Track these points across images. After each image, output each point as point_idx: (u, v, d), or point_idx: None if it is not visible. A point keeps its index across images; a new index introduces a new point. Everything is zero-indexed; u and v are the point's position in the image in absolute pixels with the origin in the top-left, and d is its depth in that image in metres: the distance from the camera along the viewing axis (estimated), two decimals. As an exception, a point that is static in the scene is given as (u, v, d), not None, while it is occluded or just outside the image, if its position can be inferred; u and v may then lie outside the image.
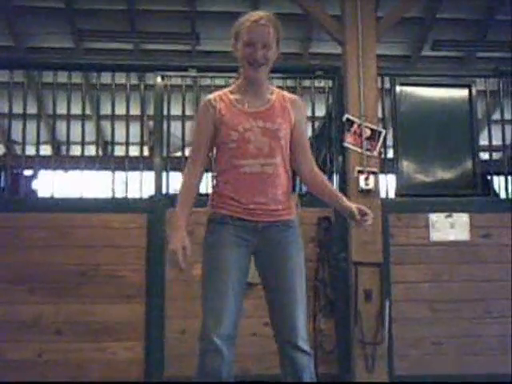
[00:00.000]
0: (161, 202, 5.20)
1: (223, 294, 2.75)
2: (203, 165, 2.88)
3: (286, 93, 2.98)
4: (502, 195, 6.35)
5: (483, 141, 5.95)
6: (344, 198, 2.88)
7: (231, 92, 2.88)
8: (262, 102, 2.84)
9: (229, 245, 2.80)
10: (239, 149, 2.74)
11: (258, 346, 5.01)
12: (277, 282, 2.81)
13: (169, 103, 5.53)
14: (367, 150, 5.25)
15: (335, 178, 5.51)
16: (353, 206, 2.81)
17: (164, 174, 5.41)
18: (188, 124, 6.75)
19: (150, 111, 6.40)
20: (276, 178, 2.77)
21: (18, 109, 5.62)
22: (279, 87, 5.80)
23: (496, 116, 6.72)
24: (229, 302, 2.73)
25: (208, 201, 2.89)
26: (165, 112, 5.53)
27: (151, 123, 6.81)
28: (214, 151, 2.90)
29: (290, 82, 6.51)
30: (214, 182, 2.93)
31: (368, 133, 5.28)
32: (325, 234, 5.14)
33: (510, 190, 5.71)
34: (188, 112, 6.11)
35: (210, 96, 2.88)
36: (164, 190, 5.38)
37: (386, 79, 5.74)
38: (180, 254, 2.82)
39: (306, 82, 5.80)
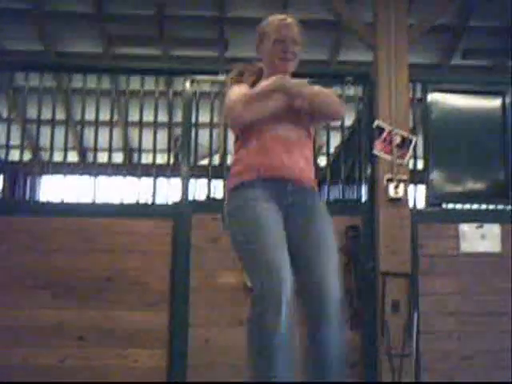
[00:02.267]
0: (186, 208, 5.16)
1: (277, 247, 2.48)
2: None
3: None
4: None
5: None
6: None
7: None
8: None
9: (264, 202, 2.62)
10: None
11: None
12: (311, 244, 2.63)
13: (197, 110, 5.50)
14: (397, 157, 5.16)
15: (364, 186, 5.42)
16: None
17: (190, 181, 5.36)
18: (215, 131, 6.75)
19: (177, 118, 6.40)
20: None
21: (46, 115, 5.64)
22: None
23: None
24: (286, 256, 2.47)
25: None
26: (193, 119, 5.48)
27: (178, 130, 6.79)
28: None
29: (318, 89, 6.44)
30: (236, 155, 2.86)
31: (398, 140, 5.19)
32: (352, 243, 5.05)
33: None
34: (216, 119, 6.08)
35: None
36: (191, 197, 5.34)
37: (417, 89, 5.65)
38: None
39: (336, 89, 5.71)
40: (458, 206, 5.78)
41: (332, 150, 6.13)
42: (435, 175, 5.48)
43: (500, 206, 5.53)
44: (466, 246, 5.15)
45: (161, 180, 5.67)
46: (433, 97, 5.63)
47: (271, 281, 2.38)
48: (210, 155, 5.63)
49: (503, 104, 5.63)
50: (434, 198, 5.43)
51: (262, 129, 2.74)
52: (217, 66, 7.53)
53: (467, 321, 5.03)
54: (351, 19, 5.65)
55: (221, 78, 5.59)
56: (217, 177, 5.68)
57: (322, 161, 8.46)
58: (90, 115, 5.70)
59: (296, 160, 2.73)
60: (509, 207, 5.45)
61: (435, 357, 4.99)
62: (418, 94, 5.69)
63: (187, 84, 5.46)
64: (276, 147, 2.71)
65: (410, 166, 5.33)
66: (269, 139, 2.73)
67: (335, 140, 6.16)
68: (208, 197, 5.48)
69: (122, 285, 4.96)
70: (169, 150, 5.77)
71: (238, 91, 2.79)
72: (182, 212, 5.14)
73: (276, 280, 2.38)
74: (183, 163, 5.33)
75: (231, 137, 6.23)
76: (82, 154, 8.02)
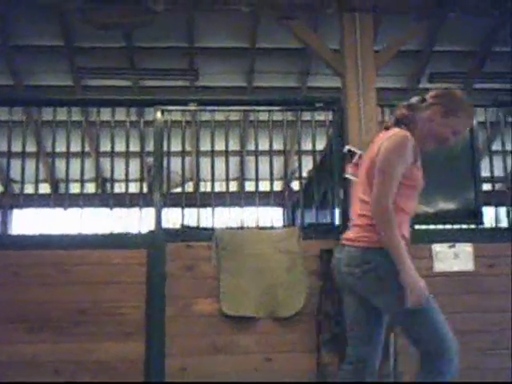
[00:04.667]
0: (160, 237, 5.14)
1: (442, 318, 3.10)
2: None
3: None
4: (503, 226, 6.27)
5: (484, 172, 5.92)
6: None
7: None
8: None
9: None
10: (414, 194, 3.04)
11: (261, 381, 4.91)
12: None
13: (169, 139, 5.51)
14: (369, 181, 5.20)
15: (337, 210, 5.46)
16: None
17: (164, 210, 5.35)
18: (187, 159, 6.78)
19: (149, 147, 6.41)
20: None
21: (16, 147, 5.61)
22: (279, 121, 5.87)
23: (496, 147, 6.70)
24: None
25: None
26: (165, 148, 5.49)
27: (150, 159, 6.81)
28: None
29: (289, 116, 6.53)
30: None
31: (369, 164, 5.24)
32: (327, 267, 5.06)
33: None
34: (188, 147, 6.10)
35: (409, 135, 3.02)
36: (164, 226, 5.31)
37: (386, 111, 5.74)
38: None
39: (306, 115, 5.79)
40: (430, 227, 5.84)
41: (304, 174, 6.18)
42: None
43: (472, 226, 5.59)
44: (439, 266, 5.19)
45: (134, 209, 5.66)
46: (401, 120, 5.70)
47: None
48: (183, 183, 5.64)
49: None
50: (405, 220, 5.47)
51: (411, 207, 3.06)
52: (187, 96, 7.58)
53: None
54: (318, 47, 5.74)
55: (191, 107, 5.63)
56: (190, 205, 5.69)
57: (295, 185, 8.54)
58: (60, 147, 5.69)
59: None
60: (480, 226, 5.53)
61: (413, 376, 4.98)
62: (388, 118, 5.77)
63: (158, 114, 5.47)
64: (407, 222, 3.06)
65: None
66: (405, 214, 3.03)
67: (307, 164, 6.21)
68: (182, 225, 5.47)
69: (98, 316, 4.90)
70: (141, 180, 5.77)
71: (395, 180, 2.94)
72: (156, 241, 5.12)
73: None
74: (156, 192, 5.32)
75: (204, 164, 6.26)
76: (54, 185, 7.97)
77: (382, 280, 2.96)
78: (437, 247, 5.22)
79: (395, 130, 3.08)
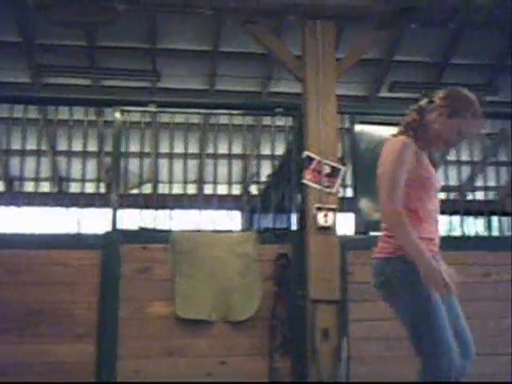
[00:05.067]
0: (116, 238, 5.08)
1: (448, 327, 2.87)
2: None
3: None
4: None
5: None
6: None
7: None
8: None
9: None
10: (427, 195, 2.99)
11: (214, 386, 4.90)
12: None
13: (127, 139, 5.47)
14: (326, 186, 5.25)
15: (294, 215, 5.48)
16: None
17: (120, 211, 5.29)
18: (146, 161, 6.73)
19: (108, 148, 6.35)
20: None
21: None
22: (239, 125, 5.88)
23: (451, 157, 6.81)
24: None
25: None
26: (123, 148, 5.44)
27: (108, 160, 6.74)
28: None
29: (249, 120, 6.54)
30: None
31: (327, 170, 5.28)
32: (282, 271, 5.08)
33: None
34: (146, 149, 6.05)
35: (407, 139, 2.97)
36: (120, 227, 5.26)
37: (345, 119, 5.79)
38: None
39: (266, 120, 5.81)
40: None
41: (263, 178, 6.19)
42: (363, 204, 5.59)
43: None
44: (392, 273, 5.23)
45: (90, 210, 5.60)
46: (360, 128, 5.76)
47: (454, 359, 2.82)
48: (141, 184, 5.61)
49: (427, 135, 5.80)
50: (362, 226, 5.52)
51: (424, 205, 2.98)
52: (146, 97, 7.53)
53: (396, 345, 5.09)
54: (280, 52, 5.77)
55: (151, 108, 5.60)
56: (148, 206, 5.65)
57: (254, 189, 8.55)
58: (16, 144, 5.60)
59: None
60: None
61: (365, 381, 5.03)
62: (347, 125, 5.83)
63: (117, 114, 5.41)
64: (432, 225, 3.04)
65: (340, 194, 5.42)
66: (424, 217, 2.98)
67: (266, 169, 6.23)
68: (139, 226, 5.43)
69: (49, 317, 4.80)
70: (98, 180, 5.72)
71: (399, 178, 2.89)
72: (111, 242, 5.06)
73: (456, 359, 2.83)
74: (113, 192, 5.27)
75: (162, 166, 6.23)
76: (8, 183, 7.83)
77: (395, 290, 2.96)
78: (390, 254, 5.25)
79: (397, 138, 3.02)
